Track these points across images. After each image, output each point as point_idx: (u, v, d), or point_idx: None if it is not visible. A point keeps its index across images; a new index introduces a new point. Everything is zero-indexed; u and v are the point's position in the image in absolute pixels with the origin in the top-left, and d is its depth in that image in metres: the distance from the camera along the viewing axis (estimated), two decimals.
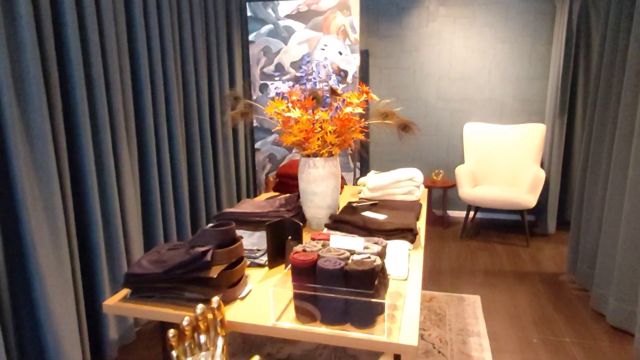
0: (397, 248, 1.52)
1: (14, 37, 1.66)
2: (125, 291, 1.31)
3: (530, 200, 3.44)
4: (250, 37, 3.62)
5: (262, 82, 3.70)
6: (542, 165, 3.89)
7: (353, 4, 3.39)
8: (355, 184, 3.65)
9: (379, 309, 1.11)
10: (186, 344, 1.04)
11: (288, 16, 3.53)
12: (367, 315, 1.08)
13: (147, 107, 2.45)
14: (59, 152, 1.89)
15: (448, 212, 4.43)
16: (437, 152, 4.35)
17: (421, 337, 2.33)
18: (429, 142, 4.36)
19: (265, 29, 3.59)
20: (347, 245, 1.20)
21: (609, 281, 2.41)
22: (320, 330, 1.10)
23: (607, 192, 2.45)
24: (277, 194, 2.48)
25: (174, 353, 1.04)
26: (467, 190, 3.68)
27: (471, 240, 3.76)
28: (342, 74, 1.66)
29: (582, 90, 3.68)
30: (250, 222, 1.78)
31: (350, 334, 1.07)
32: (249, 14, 3.58)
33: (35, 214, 1.73)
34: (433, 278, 3.03)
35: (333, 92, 1.62)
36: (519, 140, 3.85)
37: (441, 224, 4.16)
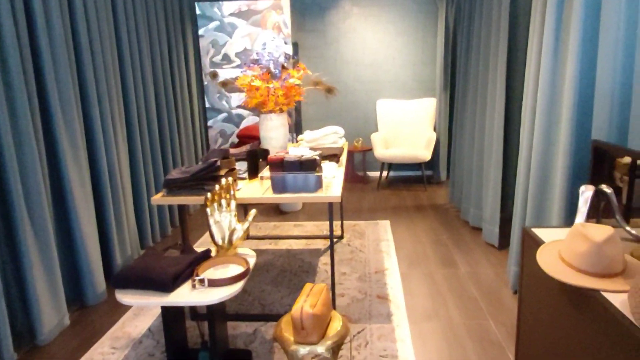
0: (328, 165, 2.44)
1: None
2: (161, 193, 2.09)
3: (425, 154, 4.57)
4: (200, 32, 4.34)
5: (211, 69, 4.43)
6: (435, 129, 5.06)
7: (284, 4, 4.25)
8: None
9: (319, 183, 2.01)
10: (214, 205, 1.87)
11: (231, 14, 4.30)
12: (313, 185, 1.99)
13: (130, 89, 3.14)
14: (80, 123, 2.57)
15: (367, 172, 5.50)
16: (356, 124, 5.38)
17: (348, 244, 3.30)
18: (350, 116, 5.37)
19: (213, 25, 4.33)
20: (299, 152, 2.09)
21: (469, 198, 3.55)
22: (290, 196, 1.98)
23: (465, 140, 3.58)
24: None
25: (208, 210, 1.86)
26: (381, 151, 4.74)
27: (384, 190, 4.84)
28: (287, 56, 2.49)
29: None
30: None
31: (305, 195, 1.97)
32: (198, 12, 4.30)
33: (71, 164, 2.42)
34: (356, 214, 4.03)
35: (283, 67, 2.49)
36: (418, 111, 4.98)
37: (362, 181, 5.21)
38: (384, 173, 5.47)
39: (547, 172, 2.23)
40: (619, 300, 1.20)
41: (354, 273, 2.82)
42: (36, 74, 2.28)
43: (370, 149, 5.07)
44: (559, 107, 2.15)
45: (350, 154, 5.17)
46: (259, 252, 3.23)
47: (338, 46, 5.20)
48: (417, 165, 5.38)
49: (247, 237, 3.54)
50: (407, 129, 5.00)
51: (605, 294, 1.24)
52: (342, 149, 2.97)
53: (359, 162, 5.48)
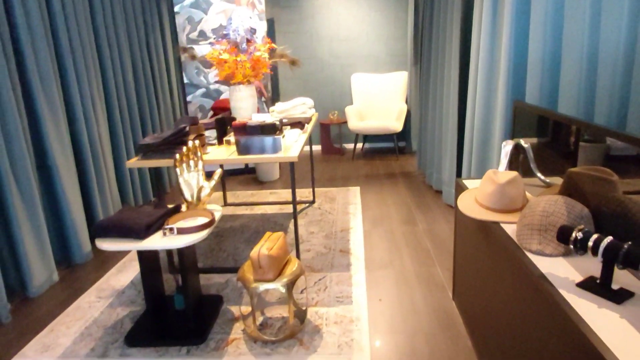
0: (292, 131, 2.65)
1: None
2: (136, 157, 2.29)
3: (397, 125, 4.79)
4: (176, 8, 4.45)
5: (188, 45, 4.56)
6: (407, 102, 5.27)
7: None
8: None
9: (279, 145, 2.23)
10: (183, 165, 2.08)
11: None
12: (274, 147, 2.21)
13: (108, 66, 3.29)
14: (60, 98, 2.74)
15: (344, 144, 5.72)
16: (332, 98, 5.57)
17: (318, 208, 3.55)
18: (326, 90, 5.55)
19: (188, 1, 4.44)
20: (262, 118, 2.30)
21: (432, 163, 3.80)
22: (252, 157, 2.20)
23: (429, 110, 3.80)
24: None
25: (177, 170, 2.07)
26: (355, 123, 4.95)
27: (359, 160, 5.08)
28: (253, 30, 2.66)
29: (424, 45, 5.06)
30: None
31: (267, 156, 2.19)
32: None
33: (52, 135, 2.60)
34: (330, 181, 4.27)
35: (248, 41, 2.67)
36: (390, 85, 5.18)
37: (338, 153, 5.44)
38: (360, 145, 5.69)
39: (488, 133, 2.47)
40: (511, 230, 1.46)
41: (321, 232, 3.07)
42: (15, 52, 2.43)
43: (346, 122, 5.28)
44: (496, 74, 2.37)
45: (327, 126, 5.38)
46: (235, 217, 3.46)
47: (313, 22, 5.34)
48: (390, 137, 5.61)
49: (225, 204, 3.77)
50: (380, 102, 5.21)
51: (503, 225, 1.49)
52: (309, 118, 3.18)
53: (335, 135, 5.69)
